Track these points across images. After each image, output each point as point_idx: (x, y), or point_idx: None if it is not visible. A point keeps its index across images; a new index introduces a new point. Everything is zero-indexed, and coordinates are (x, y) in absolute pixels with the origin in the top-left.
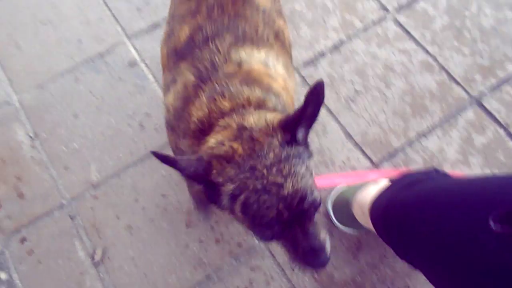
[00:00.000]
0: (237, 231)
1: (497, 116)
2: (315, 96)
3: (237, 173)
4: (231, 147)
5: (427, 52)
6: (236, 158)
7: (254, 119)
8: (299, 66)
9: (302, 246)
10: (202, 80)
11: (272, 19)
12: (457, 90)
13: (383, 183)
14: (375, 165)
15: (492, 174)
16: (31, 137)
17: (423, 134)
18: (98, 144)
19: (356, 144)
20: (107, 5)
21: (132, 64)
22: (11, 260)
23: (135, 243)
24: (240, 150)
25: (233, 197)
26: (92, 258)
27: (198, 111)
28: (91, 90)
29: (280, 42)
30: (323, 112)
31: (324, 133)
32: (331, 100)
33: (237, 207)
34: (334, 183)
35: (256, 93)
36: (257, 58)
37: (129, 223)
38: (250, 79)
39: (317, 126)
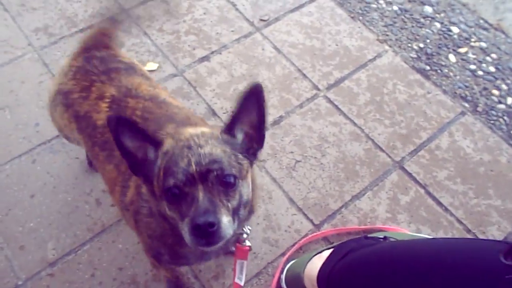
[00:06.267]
0: None
1: (417, 177)
2: (253, 96)
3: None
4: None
5: (354, 124)
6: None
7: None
8: None
9: (197, 206)
10: None
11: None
12: (382, 156)
13: (325, 254)
14: (316, 226)
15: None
16: None
17: (356, 197)
18: (55, 222)
19: (299, 209)
20: None
21: None
22: None
23: None
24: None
25: (165, 153)
26: None
27: None
28: (48, 171)
29: None
30: (267, 180)
31: (270, 200)
32: (274, 169)
33: (162, 161)
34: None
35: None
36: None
37: None
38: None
39: (263, 193)
